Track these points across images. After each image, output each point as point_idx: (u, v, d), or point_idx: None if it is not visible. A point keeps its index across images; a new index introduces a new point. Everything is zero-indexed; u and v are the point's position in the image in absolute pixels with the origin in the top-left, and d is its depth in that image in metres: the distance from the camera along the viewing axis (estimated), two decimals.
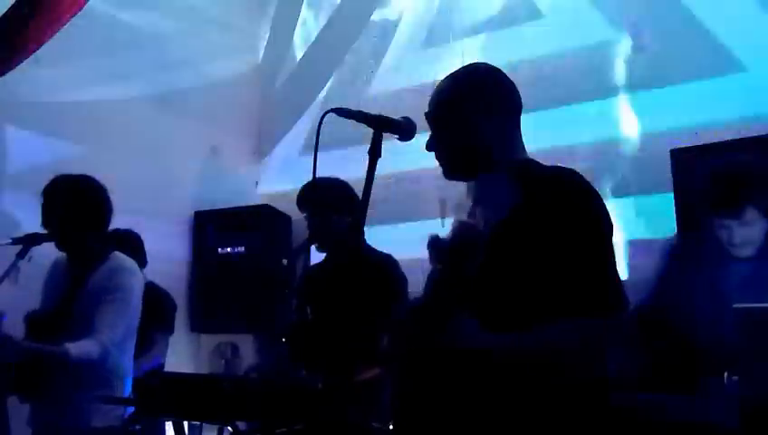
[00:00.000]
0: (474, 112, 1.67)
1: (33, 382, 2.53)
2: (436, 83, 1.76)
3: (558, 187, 1.53)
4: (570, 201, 1.50)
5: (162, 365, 3.65)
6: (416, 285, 2.98)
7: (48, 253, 2.74)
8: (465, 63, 1.82)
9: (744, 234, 2.35)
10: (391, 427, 1.64)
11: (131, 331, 2.70)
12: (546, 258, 1.46)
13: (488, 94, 1.69)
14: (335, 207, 2.86)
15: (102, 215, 2.72)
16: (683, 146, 3.31)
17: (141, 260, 3.70)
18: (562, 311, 1.44)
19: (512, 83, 1.74)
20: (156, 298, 3.48)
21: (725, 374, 2.05)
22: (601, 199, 1.56)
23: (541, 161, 1.68)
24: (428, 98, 1.75)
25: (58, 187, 2.66)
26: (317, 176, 1.76)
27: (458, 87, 1.72)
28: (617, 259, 1.54)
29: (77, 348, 2.47)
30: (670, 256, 2.63)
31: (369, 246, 2.93)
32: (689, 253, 2.54)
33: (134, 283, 2.69)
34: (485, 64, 1.78)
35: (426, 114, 1.73)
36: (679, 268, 2.54)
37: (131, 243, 3.65)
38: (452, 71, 1.77)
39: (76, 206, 2.64)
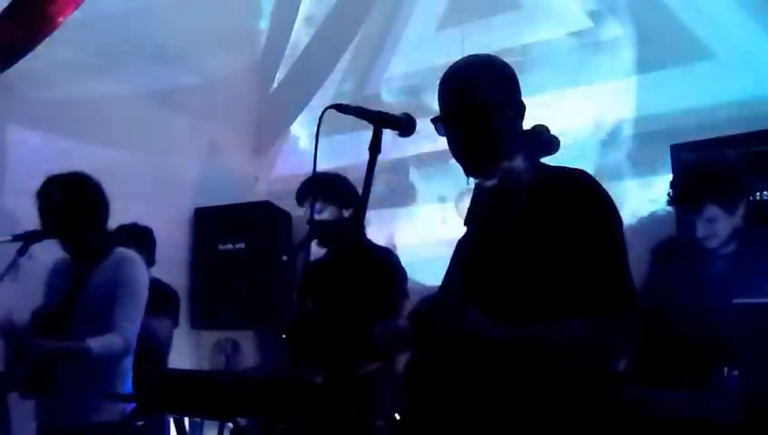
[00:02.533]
0: (515, 111, 1.66)
1: (44, 379, 2.54)
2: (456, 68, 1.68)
3: (570, 187, 1.53)
4: (581, 201, 1.51)
5: (165, 352, 3.67)
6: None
7: (49, 250, 2.74)
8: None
9: (706, 229, 2.47)
10: (398, 416, 1.64)
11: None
12: (559, 257, 1.47)
13: (519, 92, 1.69)
14: (338, 200, 2.86)
15: (99, 211, 2.72)
16: (683, 141, 3.31)
17: (151, 258, 3.72)
18: (575, 309, 1.44)
19: None
20: (160, 293, 3.51)
21: (725, 369, 2.06)
22: (611, 199, 1.57)
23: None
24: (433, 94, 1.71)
25: (51, 188, 2.65)
26: (317, 171, 1.77)
27: (503, 76, 1.67)
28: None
29: (99, 342, 2.49)
30: (653, 258, 2.67)
31: (369, 241, 2.93)
32: (669, 253, 2.59)
33: (141, 274, 2.71)
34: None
35: (466, 100, 1.62)
36: (662, 268, 2.59)
37: (145, 240, 3.67)
38: (473, 57, 1.70)
39: (71, 205, 2.63)
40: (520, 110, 1.68)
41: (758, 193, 3.03)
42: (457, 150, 1.66)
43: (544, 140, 1.65)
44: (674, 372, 2.26)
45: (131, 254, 2.74)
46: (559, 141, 1.64)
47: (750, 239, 2.49)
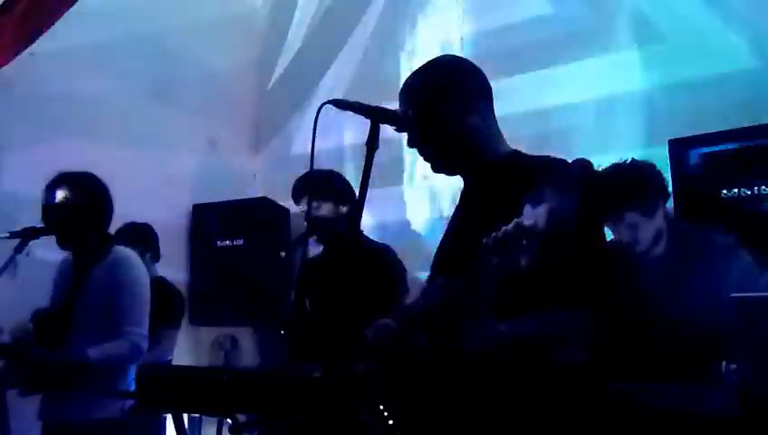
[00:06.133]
0: (454, 109, 1.67)
1: (43, 379, 2.55)
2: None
3: (546, 176, 1.53)
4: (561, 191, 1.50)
5: (170, 361, 3.67)
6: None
7: (47, 247, 2.74)
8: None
9: (629, 234, 2.53)
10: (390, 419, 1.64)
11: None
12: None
13: (463, 88, 1.70)
14: (334, 197, 2.87)
15: (103, 213, 2.73)
16: (680, 136, 3.30)
17: (155, 254, 3.73)
18: (554, 300, 1.45)
19: (479, 70, 1.74)
20: (165, 294, 3.51)
21: (724, 363, 2.07)
22: (594, 190, 1.56)
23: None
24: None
25: (60, 184, 2.67)
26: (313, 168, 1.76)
27: (433, 85, 1.70)
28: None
29: (100, 351, 2.50)
30: None
31: (366, 237, 2.93)
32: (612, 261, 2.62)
33: (140, 274, 2.71)
34: (451, 56, 1.81)
35: (402, 114, 1.70)
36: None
37: (148, 236, 3.68)
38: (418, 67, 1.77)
39: (78, 204, 2.65)
40: (467, 96, 1.69)
41: (756, 188, 3.03)
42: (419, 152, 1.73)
43: None
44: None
45: (129, 254, 2.74)
46: None
47: (677, 240, 2.54)
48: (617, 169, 2.59)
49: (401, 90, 1.74)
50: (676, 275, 2.48)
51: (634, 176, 2.56)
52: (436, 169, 1.74)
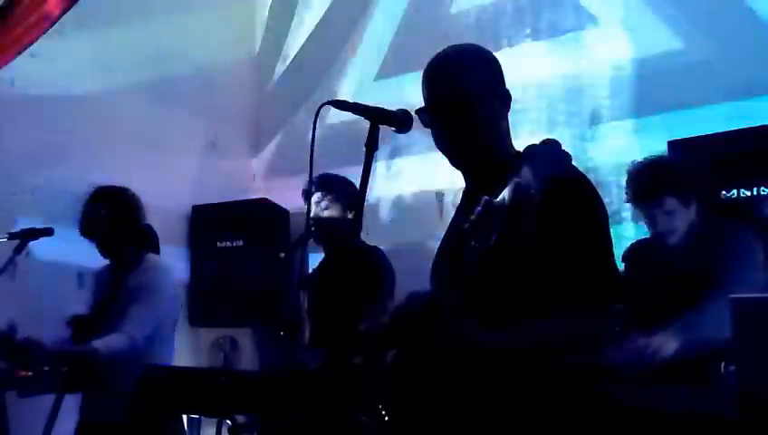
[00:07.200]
0: (498, 106, 1.63)
1: (79, 379, 2.66)
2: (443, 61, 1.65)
3: (554, 179, 1.52)
4: (565, 193, 1.50)
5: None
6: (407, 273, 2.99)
7: (45, 248, 2.75)
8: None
9: (666, 222, 2.50)
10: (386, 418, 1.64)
11: (166, 325, 2.80)
12: (544, 250, 1.46)
13: (503, 77, 1.67)
14: (345, 201, 2.89)
15: (138, 225, 2.86)
16: (680, 138, 3.30)
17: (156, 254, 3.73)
18: (560, 302, 1.44)
19: None
20: None
21: (723, 365, 2.07)
22: (596, 190, 1.56)
23: None
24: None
25: (100, 200, 2.79)
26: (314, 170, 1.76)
27: (488, 65, 1.64)
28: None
29: (104, 343, 2.57)
30: (626, 264, 2.70)
31: (359, 240, 2.94)
32: (638, 255, 2.63)
33: (164, 280, 2.82)
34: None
35: (450, 90, 1.59)
36: (636, 271, 2.63)
37: (146, 237, 3.68)
38: (457, 47, 1.68)
39: (119, 217, 2.77)
40: (505, 99, 1.65)
41: (755, 189, 3.03)
42: (442, 142, 1.64)
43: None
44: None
45: (158, 261, 2.87)
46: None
47: (706, 237, 2.52)
48: (659, 158, 2.61)
49: (441, 66, 1.63)
50: (704, 272, 2.44)
51: (676, 163, 2.60)
52: (456, 161, 1.65)
